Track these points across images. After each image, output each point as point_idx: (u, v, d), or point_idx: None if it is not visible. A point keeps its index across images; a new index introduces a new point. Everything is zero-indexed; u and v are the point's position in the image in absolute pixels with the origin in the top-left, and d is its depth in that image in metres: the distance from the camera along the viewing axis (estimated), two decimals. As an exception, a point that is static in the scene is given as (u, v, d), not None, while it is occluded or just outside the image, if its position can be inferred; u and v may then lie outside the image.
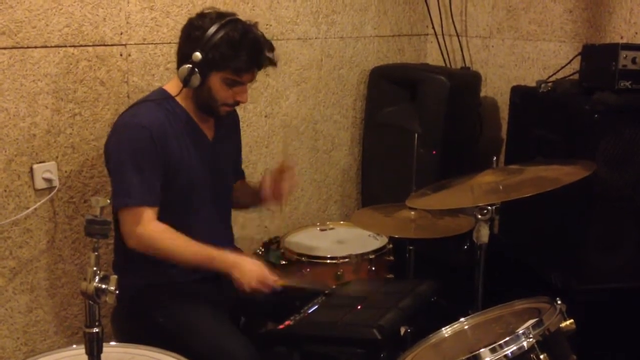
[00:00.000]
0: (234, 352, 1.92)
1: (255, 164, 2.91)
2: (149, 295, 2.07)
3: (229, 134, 2.27)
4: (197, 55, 1.95)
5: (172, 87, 2.08)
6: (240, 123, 2.43)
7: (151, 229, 1.97)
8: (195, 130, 2.12)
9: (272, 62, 2.08)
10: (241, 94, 2.07)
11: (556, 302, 1.60)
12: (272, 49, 2.07)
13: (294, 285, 2.08)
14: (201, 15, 2.03)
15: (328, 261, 2.45)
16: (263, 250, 2.74)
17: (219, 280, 2.17)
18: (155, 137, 1.99)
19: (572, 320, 1.56)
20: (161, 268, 2.10)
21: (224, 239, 2.26)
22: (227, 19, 2.00)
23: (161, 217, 2.08)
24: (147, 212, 1.97)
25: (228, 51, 1.97)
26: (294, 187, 2.34)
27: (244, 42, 1.98)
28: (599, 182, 2.29)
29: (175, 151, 2.05)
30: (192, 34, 2.00)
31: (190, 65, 1.96)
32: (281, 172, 2.26)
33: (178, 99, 2.08)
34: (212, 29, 1.96)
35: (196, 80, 1.98)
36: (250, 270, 1.98)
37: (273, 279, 1.99)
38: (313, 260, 2.46)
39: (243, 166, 2.47)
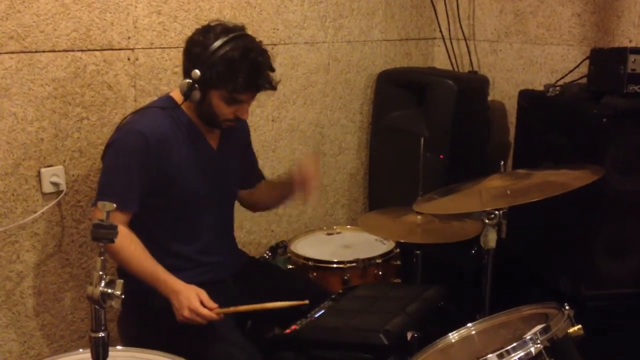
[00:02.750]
0: (239, 358, 1.92)
1: (262, 168, 2.88)
2: (154, 299, 2.06)
3: (235, 142, 2.26)
4: (196, 72, 1.94)
5: (179, 95, 2.08)
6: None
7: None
8: (200, 140, 2.12)
9: (272, 87, 2.04)
10: (241, 111, 2.05)
11: (564, 308, 1.58)
12: (272, 70, 2.03)
13: (245, 310, 1.96)
14: (205, 30, 2.01)
15: (335, 265, 2.45)
16: (270, 254, 2.74)
17: (225, 286, 2.17)
18: (153, 146, 1.99)
19: (580, 326, 1.55)
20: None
21: (227, 246, 2.26)
22: (230, 36, 1.96)
23: (164, 224, 2.10)
24: (115, 214, 1.90)
25: (226, 71, 1.94)
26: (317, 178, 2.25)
27: (243, 63, 1.95)
28: (607, 187, 2.28)
29: (176, 160, 2.05)
30: (193, 49, 1.99)
31: (190, 81, 1.96)
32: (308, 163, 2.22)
33: (183, 107, 2.08)
34: (213, 47, 1.94)
35: (196, 95, 1.97)
36: (185, 299, 1.90)
37: (207, 311, 1.89)
38: (319, 265, 2.46)
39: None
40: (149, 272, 1.96)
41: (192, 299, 1.90)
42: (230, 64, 1.94)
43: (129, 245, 1.98)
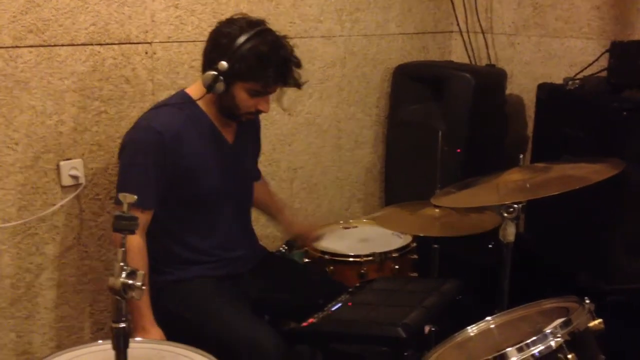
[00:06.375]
0: (262, 340, 1.92)
1: (279, 162, 2.91)
2: (174, 291, 2.08)
3: (250, 137, 2.27)
4: (224, 64, 1.94)
5: (195, 90, 2.08)
6: (264, 121, 2.43)
7: (129, 241, 1.88)
8: (215, 135, 2.13)
9: (298, 84, 2.05)
10: (263, 103, 2.06)
11: (584, 302, 1.57)
12: (299, 66, 2.04)
13: None
14: (230, 22, 2.01)
15: (351, 259, 2.45)
16: (286, 248, 2.74)
17: (242, 279, 2.18)
18: (168, 143, 1.99)
19: (600, 320, 1.54)
20: (185, 265, 2.12)
21: (245, 240, 2.27)
22: (256, 30, 1.97)
23: (182, 219, 2.11)
24: (137, 215, 1.91)
25: (256, 65, 1.95)
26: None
27: (273, 58, 1.96)
28: (627, 181, 2.25)
29: (192, 156, 2.05)
30: (220, 41, 1.98)
31: (215, 73, 1.95)
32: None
33: (200, 103, 2.08)
34: (241, 39, 1.94)
35: (220, 87, 1.97)
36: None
37: None
38: (336, 259, 2.46)
39: (266, 164, 2.47)
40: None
41: None
42: (260, 57, 1.94)
43: (136, 262, 1.95)
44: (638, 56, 2.33)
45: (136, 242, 1.96)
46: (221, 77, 1.95)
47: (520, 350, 1.46)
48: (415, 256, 2.53)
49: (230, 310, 2.01)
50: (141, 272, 1.34)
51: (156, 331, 1.97)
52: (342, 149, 3.16)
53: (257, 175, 2.44)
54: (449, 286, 2.05)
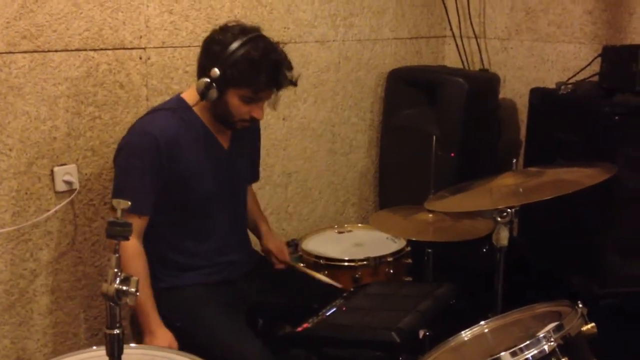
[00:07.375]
0: (249, 357, 1.92)
1: (273, 166, 2.92)
2: (167, 298, 2.07)
3: (246, 143, 2.27)
4: (216, 71, 1.94)
5: (190, 96, 2.08)
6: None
7: (127, 245, 1.84)
8: (211, 141, 2.13)
9: (292, 83, 2.05)
10: (257, 110, 2.05)
11: (577, 306, 1.58)
12: (291, 69, 2.04)
13: None
14: (224, 29, 2.01)
15: (346, 264, 2.46)
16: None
17: (237, 284, 2.18)
18: (164, 148, 1.99)
19: (593, 324, 1.54)
20: (179, 272, 2.12)
21: (240, 245, 2.27)
22: (249, 36, 1.97)
23: (177, 224, 2.11)
24: (134, 220, 1.88)
25: (247, 70, 1.95)
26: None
27: (264, 63, 1.95)
28: (620, 185, 2.27)
29: (188, 162, 2.05)
30: (212, 48, 1.99)
31: (208, 80, 1.96)
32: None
33: (195, 108, 2.08)
34: (233, 46, 1.94)
35: (213, 94, 1.97)
36: (156, 344, 1.92)
37: None
38: (331, 263, 2.46)
39: (260, 169, 2.46)
40: (140, 304, 1.96)
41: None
42: (251, 63, 1.94)
43: (136, 264, 1.96)
44: (630, 61, 2.34)
45: (134, 247, 1.96)
46: (214, 84, 1.96)
47: (513, 354, 1.46)
48: (410, 260, 2.54)
49: (222, 323, 2.00)
50: (135, 278, 1.33)
51: (163, 333, 1.96)
52: (336, 154, 3.16)
53: (257, 177, 2.44)
54: (443, 290, 2.06)
